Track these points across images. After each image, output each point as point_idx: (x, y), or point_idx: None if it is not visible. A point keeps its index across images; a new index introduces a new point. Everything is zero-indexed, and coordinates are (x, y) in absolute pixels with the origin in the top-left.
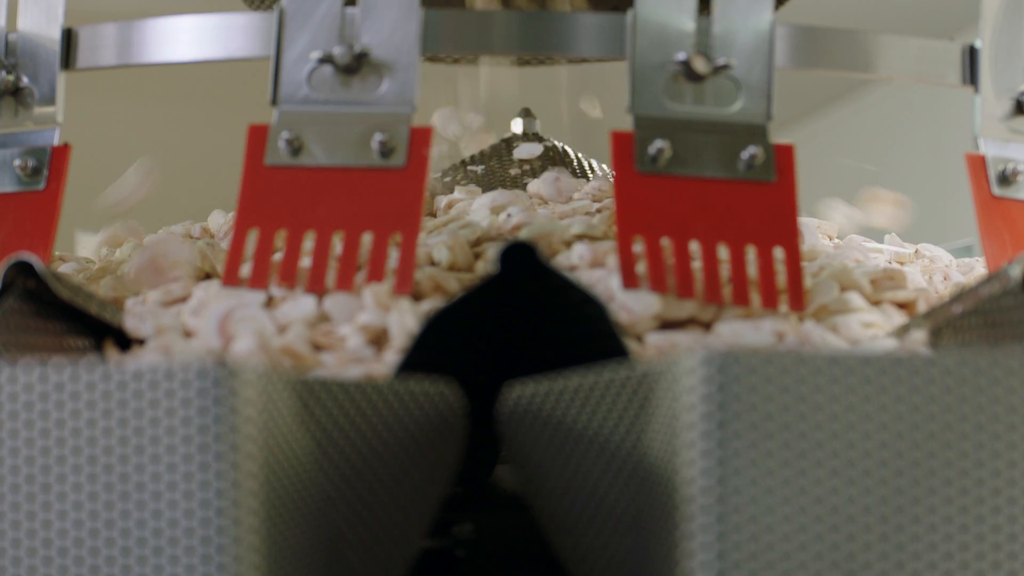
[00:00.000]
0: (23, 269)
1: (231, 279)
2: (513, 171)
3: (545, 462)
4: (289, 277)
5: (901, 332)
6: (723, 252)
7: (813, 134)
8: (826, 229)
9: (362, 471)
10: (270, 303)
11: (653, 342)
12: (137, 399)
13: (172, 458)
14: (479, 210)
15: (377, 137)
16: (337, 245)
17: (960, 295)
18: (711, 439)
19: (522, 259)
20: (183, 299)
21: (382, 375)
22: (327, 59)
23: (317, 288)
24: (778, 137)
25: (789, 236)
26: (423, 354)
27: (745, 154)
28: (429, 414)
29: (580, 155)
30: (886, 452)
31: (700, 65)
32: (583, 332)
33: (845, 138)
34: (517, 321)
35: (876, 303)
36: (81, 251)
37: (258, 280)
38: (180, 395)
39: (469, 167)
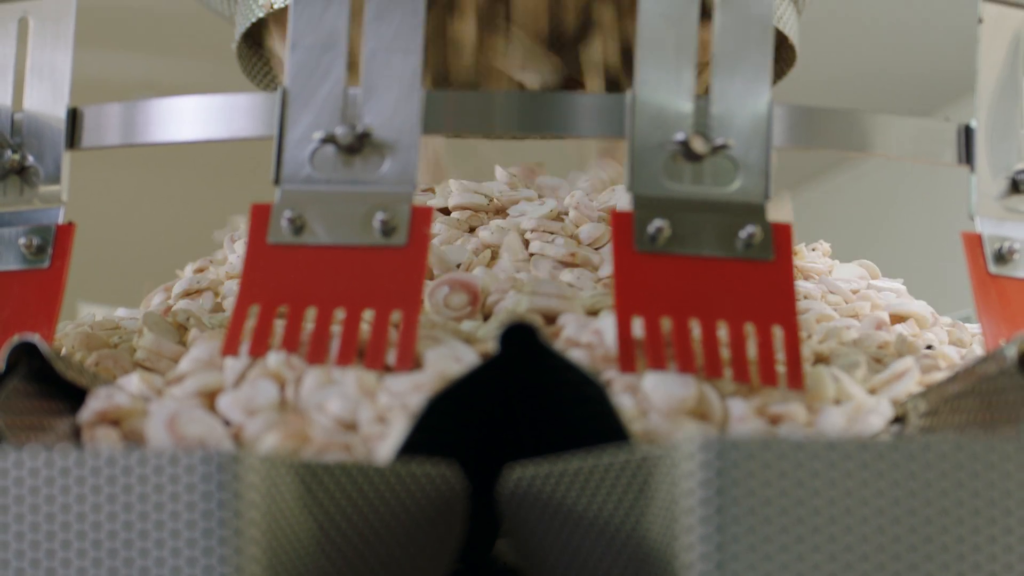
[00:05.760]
0: (27, 350)
1: (231, 349)
2: None
3: (545, 543)
4: (291, 349)
5: (902, 410)
6: (723, 330)
7: (807, 203)
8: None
9: (364, 552)
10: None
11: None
12: (142, 484)
13: (176, 542)
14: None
15: (379, 216)
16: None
17: (957, 374)
18: (710, 524)
19: (523, 340)
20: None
21: (369, 457)
22: (329, 139)
23: (318, 359)
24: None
25: (788, 314)
26: (423, 435)
27: (743, 233)
28: (430, 496)
29: None
30: (883, 536)
31: (699, 145)
32: (583, 413)
33: (841, 207)
34: (518, 401)
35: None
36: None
37: (257, 349)
38: (185, 480)
39: None
